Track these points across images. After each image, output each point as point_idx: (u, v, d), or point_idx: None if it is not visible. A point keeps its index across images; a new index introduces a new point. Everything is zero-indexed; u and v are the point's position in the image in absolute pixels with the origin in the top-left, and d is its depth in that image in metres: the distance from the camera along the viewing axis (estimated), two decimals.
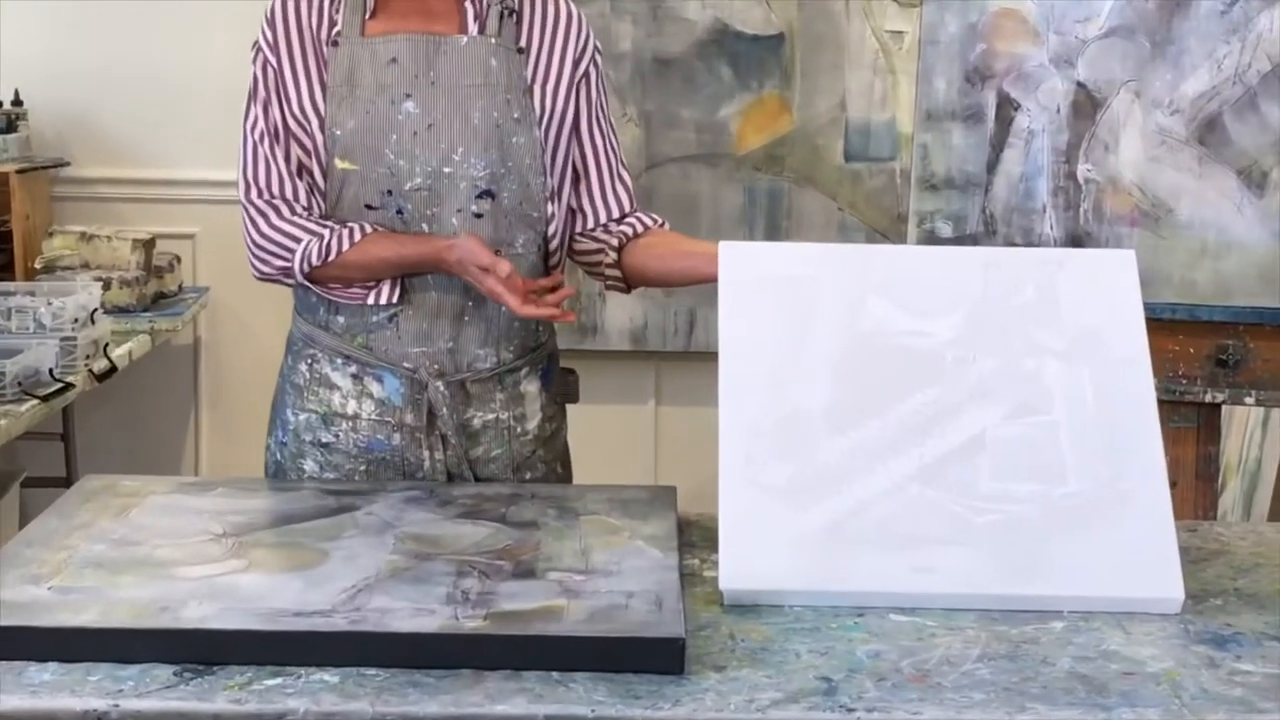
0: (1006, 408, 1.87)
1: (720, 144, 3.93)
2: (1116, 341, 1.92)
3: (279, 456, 2.30)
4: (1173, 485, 3.46)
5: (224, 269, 4.04)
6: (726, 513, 1.79)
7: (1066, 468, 1.83)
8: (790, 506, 1.79)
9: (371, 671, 1.53)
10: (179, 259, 3.94)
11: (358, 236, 2.15)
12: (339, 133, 2.16)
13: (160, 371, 4.11)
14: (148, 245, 3.79)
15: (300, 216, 2.18)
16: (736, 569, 1.75)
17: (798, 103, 3.89)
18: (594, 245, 2.29)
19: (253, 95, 2.21)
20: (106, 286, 3.61)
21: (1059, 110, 3.56)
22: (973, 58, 3.63)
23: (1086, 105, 3.57)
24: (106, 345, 3.33)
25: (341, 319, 2.23)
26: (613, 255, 2.27)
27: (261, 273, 2.22)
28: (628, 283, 2.28)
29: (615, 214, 2.31)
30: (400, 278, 2.19)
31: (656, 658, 1.55)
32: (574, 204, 2.30)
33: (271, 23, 2.20)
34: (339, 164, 2.17)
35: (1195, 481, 3.30)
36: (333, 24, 2.19)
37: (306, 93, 2.18)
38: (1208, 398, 3.24)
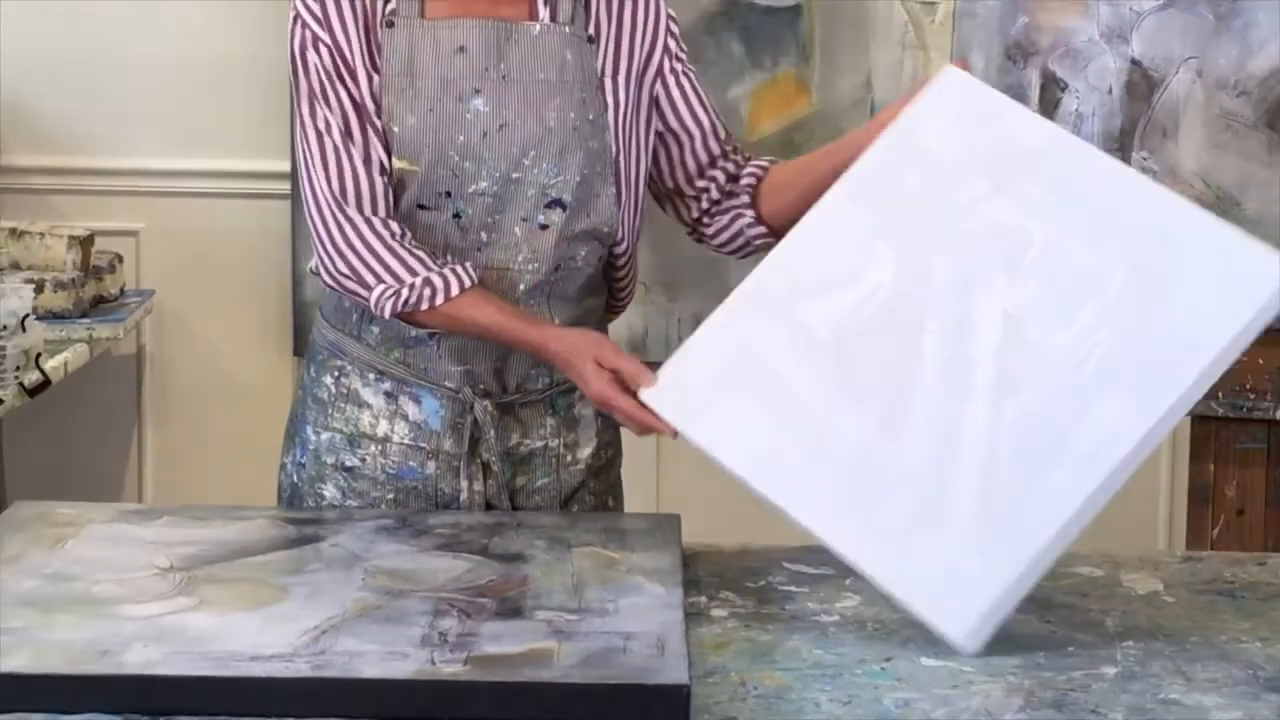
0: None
1: (730, 128, 3.93)
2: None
3: (296, 479, 2.28)
4: (1239, 513, 3.46)
5: (171, 270, 4.04)
6: (696, 341, 1.95)
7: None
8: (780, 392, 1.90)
9: None
10: (120, 258, 3.93)
11: (454, 291, 2.09)
12: (397, 129, 2.12)
13: (99, 385, 4.10)
14: (85, 243, 3.79)
15: (385, 236, 2.10)
16: (669, 387, 1.95)
17: (817, 82, 3.89)
18: (727, 217, 2.28)
19: (304, 78, 2.13)
20: (39, 289, 3.61)
21: (1111, 91, 3.57)
22: (1014, 32, 3.64)
23: (1142, 86, 3.58)
24: (39, 355, 3.33)
25: (376, 329, 2.20)
26: (749, 215, 2.26)
27: (341, 287, 2.14)
28: (775, 234, 2.23)
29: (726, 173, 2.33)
30: None
31: (658, 707, 1.55)
32: (681, 186, 2.30)
33: None
34: (397, 164, 2.13)
35: (1265, 510, 3.30)
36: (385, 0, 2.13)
37: (365, 80, 2.13)
38: (1279, 415, 3.24)
